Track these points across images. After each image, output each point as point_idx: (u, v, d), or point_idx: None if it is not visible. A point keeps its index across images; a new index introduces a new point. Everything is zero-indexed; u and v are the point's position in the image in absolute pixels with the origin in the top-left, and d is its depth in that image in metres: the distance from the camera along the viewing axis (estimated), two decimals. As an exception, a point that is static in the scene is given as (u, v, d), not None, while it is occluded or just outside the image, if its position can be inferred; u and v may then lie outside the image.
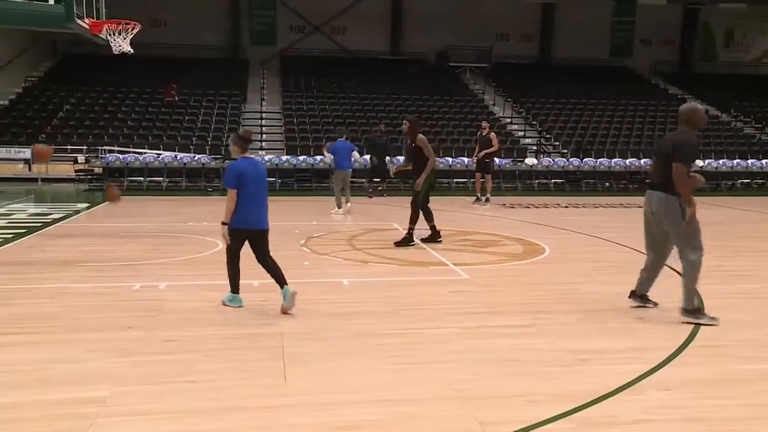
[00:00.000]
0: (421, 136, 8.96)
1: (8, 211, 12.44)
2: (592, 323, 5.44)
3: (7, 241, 9.00)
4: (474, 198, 14.71)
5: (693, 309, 5.38)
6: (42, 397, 3.78)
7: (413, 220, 8.91)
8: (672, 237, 5.48)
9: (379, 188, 16.54)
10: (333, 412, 3.67)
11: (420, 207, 8.96)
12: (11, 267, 7.36)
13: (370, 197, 15.86)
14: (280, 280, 5.56)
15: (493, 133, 14.48)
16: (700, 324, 5.29)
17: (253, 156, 5.80)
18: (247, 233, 5.59)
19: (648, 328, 5.34)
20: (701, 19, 31.62)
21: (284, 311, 5.49)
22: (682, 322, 5.34)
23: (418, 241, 8.99)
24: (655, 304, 5.81)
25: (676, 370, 4.39)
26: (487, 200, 14.40)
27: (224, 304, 5.70)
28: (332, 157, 13.08)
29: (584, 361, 4.53)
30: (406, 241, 8.86)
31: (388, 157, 16.30)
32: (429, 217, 9.05)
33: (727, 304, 5.96)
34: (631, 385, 4.07)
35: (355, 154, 13.56)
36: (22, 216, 11.70)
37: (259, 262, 5.67)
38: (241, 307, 5.66)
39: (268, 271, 5.64)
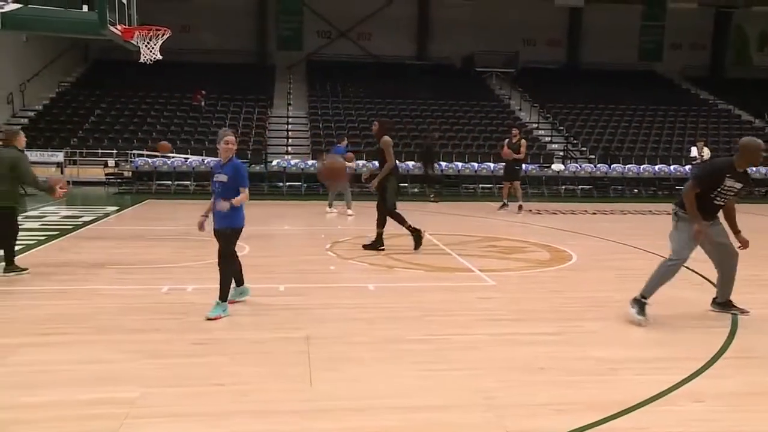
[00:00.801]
0: (386, 138, 8.88)
1: (41, 213, 12.71)
2: (622, 332, 5.35)
3: (40, 243, 9.19)
4: (500, 204, 14.42)
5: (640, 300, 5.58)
6: (74, 396, 3.84)
7: (381, 224, 8.92)
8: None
9: (431, 196, 16.28)
10: (359, 418, 3.66)
11: (389, 211, 8.90)
12: (45, 268, 7.50)
13: (435, 202, 15.74)
14: (237, 284, 5.88)
15: (523, 141, 14.27)
16: (635, 315, 5.48)
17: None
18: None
19: (679, 337, 5.24)
20: (734, 23, 31.02)
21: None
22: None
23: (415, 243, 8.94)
24: (743, 311, 5.84)
25: (709, 381, 4.29)
26: (520, 207, 13.88)
27: (234, 302, 5.77)
28: None
29: (614, 370, 4.45)
30: (375, 245, 8.84)
31: (436, 163, 16.14)
32: (381, 224, 8.94)
33: (764, 315, 5.83)
34: (662, 396, 3.99)
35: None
36: (54, 218, 11.94)
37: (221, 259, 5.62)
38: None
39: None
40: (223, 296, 5.52)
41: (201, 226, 5.73)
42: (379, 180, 8.87)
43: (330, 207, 13.13)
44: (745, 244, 5.68)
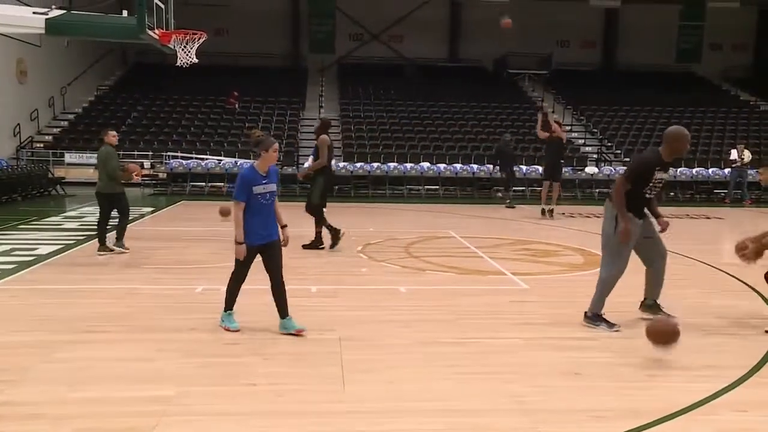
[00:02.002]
0: (323, 136, 8.85)
1: (80, 214, 13.04)
2: (659, 338, 5.23)
3: (80, 242, 9.42)
4: (542, 210, 13.62)
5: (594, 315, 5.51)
6: (114, 393, 3.92)
7: (319, 222, 8.92)
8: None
9: (507, 201, 15.64)
10: (391, 421, 3.66)
11: (313, 210, 8.86)
12: (85, 268, 7.69)
13: (512, 207, 15.21)
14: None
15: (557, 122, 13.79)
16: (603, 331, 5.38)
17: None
18: None
19: (720, 345, 5.11)
20: (777, 23, 30.20)
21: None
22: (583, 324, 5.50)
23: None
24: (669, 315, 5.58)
25: (751, 390, 4.18)
26: (551, 212, 13.43)
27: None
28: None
29: (652, 377, 4.37)
30: (315, 244, 8.84)
31: (515, 166, 15.64)
32: (319, 222, 8.94)
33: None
34: (703, 404, 3.89)
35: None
36: (92, 219, 12.19)
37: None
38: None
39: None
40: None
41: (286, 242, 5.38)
42: (305, 173, 9.14)
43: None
44: (664, 225, 5.65)
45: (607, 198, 5.62)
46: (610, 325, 5.45)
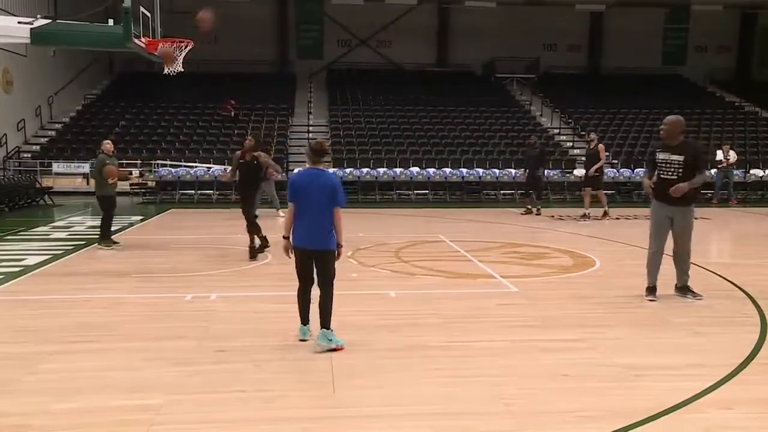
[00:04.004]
0: (262, 153, 9.67)
1: (68, 223, 12.96)
2: (647, 338, 5.28)
3: (67, 252, 9.37)
4: (582, 214, 13.90)
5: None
6: (101, 403, 3.90)
7: (255, 231, 8.88)
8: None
9: (531, 208, 15.02)
10: (381, 425, 3.66)
11: (249, 218, 8.89)
12: (71, 278, 7.65)
13: (538, 214, 14.68)
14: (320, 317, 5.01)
15: (601, 145, 13.92)
16: (693, 299, 6.42)
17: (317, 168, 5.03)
18: (300, 252, 5.00)
19: (706, 343, 5.15)
20: (760, 24, 30.52)
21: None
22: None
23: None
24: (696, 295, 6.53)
25: (737, 387, 4.21)
26: (605, 214, 13.88)
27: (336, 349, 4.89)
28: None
29: (639, 377, 4.39)
30: (254, 252, 8.77)
31: (539, 171, 15.12)
32: (255, 231, 8.91)
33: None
34: (689, 403, 3.93)
35: None
36: (81, 228, 12.16)
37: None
38: (306, 339, 5.08)
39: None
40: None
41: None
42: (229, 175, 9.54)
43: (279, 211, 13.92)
44: (676, 190, 6.15)
45: (677, 200, 6.30)
46: (694, 294, 6.47)
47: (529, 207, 14.97)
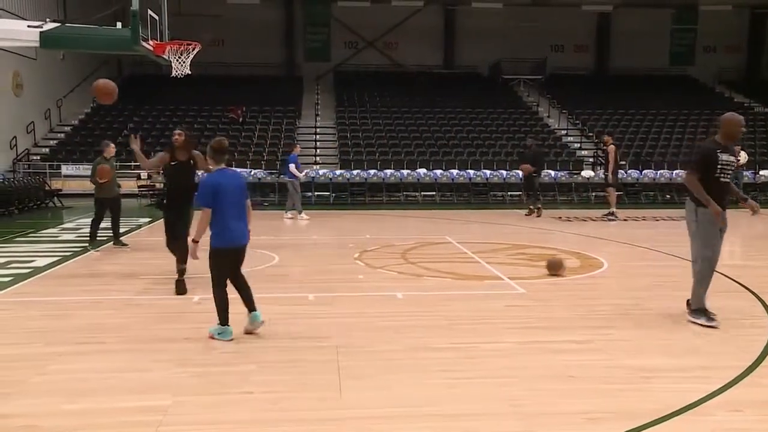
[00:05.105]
0: (198, 152, 7.33)
1: (77, 225, 13.04)
2: (654, 340, 5.26)
3: (76, 254, 9.42)
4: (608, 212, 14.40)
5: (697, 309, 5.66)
6: (109, 405, 3.92)
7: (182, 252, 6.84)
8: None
9: (533, 209, 14.99)
10: (388, 427, 3.66)
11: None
12: (80, 279, 7.69)
13: (538, 216, 14.61)
14: (250, 304, 5.30)
15: (611, 146, 14.02)
16: (706, 323, 5.55)
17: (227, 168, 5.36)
18: (230, 251, 5.21)
19: (714, 345, 5.12)
20: (769, 24, 30.36)
21: (247, 331, 5.27)
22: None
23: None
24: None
25: (746, 390, 4.18)
26: (610, 214, 14.22)
27: (212, 338, 5.18)
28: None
29: (646, 378, 4.37)
30: (182, 286, 6.88)
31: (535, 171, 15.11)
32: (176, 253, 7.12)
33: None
34: (697, 405, 3.90)
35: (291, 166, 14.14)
36: (89, 230, 12.19)
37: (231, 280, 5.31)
38: (231, 340, 5.14)
39: (238, 291, 5.31)
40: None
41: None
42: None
43: (301, 213, 13.87)
44: (754, 207, 5.74)
45: (687, 197, 5.81)
46: (710, 318, 5.61)
47: (531, 207, 15.04)
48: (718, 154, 5.53)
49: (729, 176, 5.64)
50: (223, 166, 5.32)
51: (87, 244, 9.92)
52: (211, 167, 5.39)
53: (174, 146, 7.21)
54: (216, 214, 5.12)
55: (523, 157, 16.03)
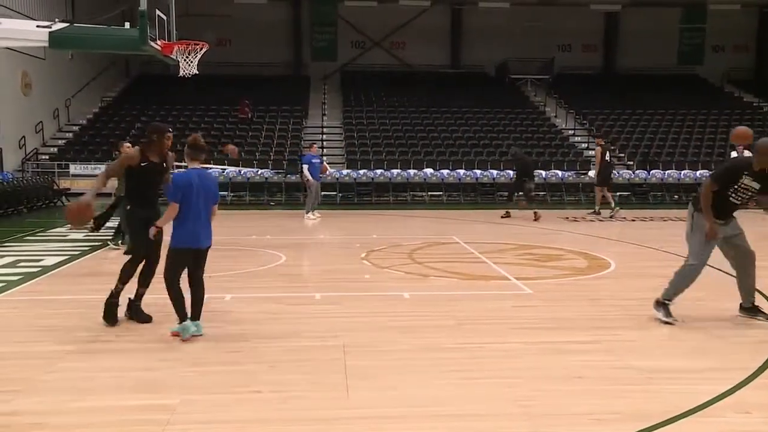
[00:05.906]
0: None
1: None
2: (662, 341, 5.24)
3: (84, 253, 9.47)
4: (613, 210, 14.74)
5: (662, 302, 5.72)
6: (118, 403, 3.94)
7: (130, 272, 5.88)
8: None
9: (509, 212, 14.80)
10: (395, 427, 3.66)
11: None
12: (89, 278, 7.74)
13: (536, 219, 14.16)
14: (196, 311, 5.20)
15: (597, 148, 14.87)
16: (663, 317, 5.65)
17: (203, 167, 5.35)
18: (190, 252, 5.17)
19: (723, 347, 5.10)
20: (778, 23, 30.18)
21: (173, 334, 5.18)
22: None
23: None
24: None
25: (756, 392, 4.16)
26: (593, 212, 14.87)
27: (174, 335, 5.15)
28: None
29: (654, 379, 4.36)
30: (143, 315, 5.83)
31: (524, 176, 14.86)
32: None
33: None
34: (706, 407, 3.88)
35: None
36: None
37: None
38: (201, 335, 5.16)
39: (191, 293, 5.22)
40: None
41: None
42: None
43: (308, 213, 13.77)
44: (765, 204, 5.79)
45: (690, 199, 5.83)
46: (668, 314, 5.67)
47: (509, 211, 14.60)
48: (744, 175, 5.41)
49: (741, 200, 5.54)
50: (197, 165, 5.27)
51: (110, 240, 10.02)
52: (188, 165, 5.28)
53: (147, 145, 5.91)
54: (180, 212, 5.11)
55: (516, 167, 15.77)
